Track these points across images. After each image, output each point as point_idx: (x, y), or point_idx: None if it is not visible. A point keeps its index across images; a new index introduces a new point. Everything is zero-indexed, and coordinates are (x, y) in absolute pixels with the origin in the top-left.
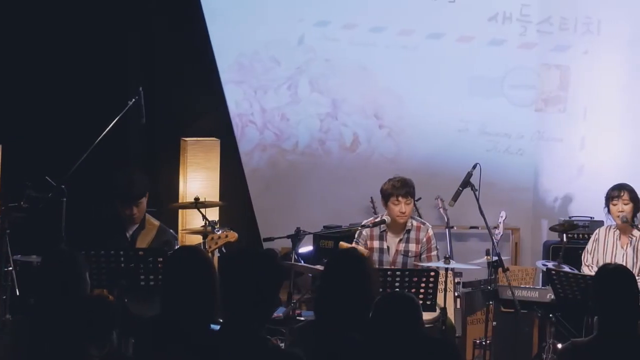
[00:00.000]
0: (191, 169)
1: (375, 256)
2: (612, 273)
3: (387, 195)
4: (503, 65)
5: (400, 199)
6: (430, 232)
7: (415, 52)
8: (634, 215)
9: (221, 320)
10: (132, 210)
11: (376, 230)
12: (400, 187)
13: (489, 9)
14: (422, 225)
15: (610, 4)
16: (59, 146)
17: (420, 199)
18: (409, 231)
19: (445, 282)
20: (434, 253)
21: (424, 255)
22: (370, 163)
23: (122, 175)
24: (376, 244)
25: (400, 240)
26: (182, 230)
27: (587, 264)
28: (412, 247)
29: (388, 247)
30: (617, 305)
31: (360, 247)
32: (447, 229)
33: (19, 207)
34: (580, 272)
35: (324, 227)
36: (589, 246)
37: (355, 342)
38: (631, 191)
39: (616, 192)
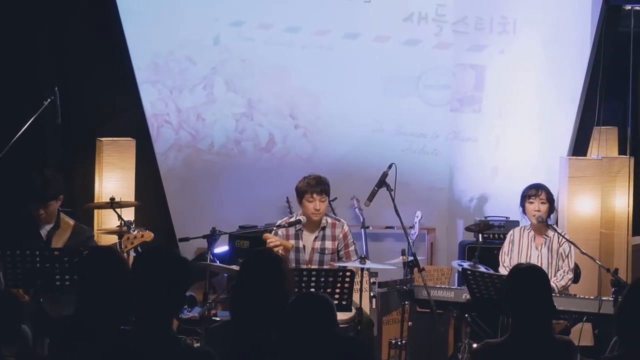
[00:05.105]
0: (106, 169)
1: (292, 255)
2: (525, 273)
3: (301, 192)
4: (418, 65)
5: (314, 196)
6: (346, 228)
7: (331, 52)
8: (548, 215)
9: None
10: (40, 212)
11: (292, 229)
12: (315, 185)
13: (404, 9)
14: (337, 222)
15: (526, 5)
16: None
17: (335, 199)
18: (324, 228)
19: (361, 282)
20: (351, 248)
21: (342, 252)
22: (286, 163)
23: (38, 175)
24: (292, 242)
25: (316, 238)
26: (97, 230)
27: (504, 265)
28: (328, 244)
29: (304, 246)
30: (529, 305)
31: (286, 242)
32: (362, 229)
33: None
34: (496, 272)
35: (239, 227)
36: (505, 247)
37: (271, 342)
38: (548, 191)
39: (533, 191)
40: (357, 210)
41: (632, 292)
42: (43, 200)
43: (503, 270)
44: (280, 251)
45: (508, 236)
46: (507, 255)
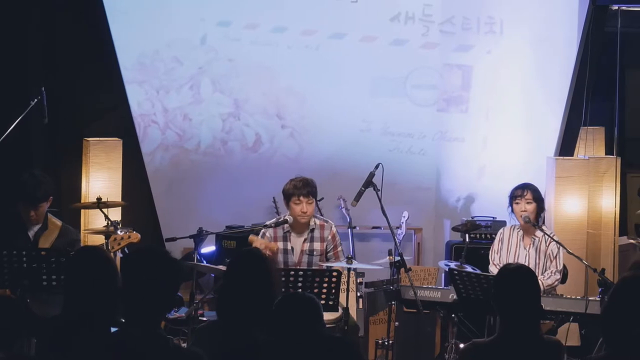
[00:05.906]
0: (93, 169)
1: (280, 257)
2: (513, 273)
3: (288, 195)
4: (405, 65)
5: (301, 198)
6: (334, 229)
7: (318, 52)
8: (538, 215)
9: (123, 320)
10: (30, 213)
11: (280, 231)
12: (301, 187)
13: (391, 9)
14: (325, 224)
15: (513, 5)
16: None
17: (322, 199)
18: (313, 230)
19: (348, 282)
20: (339, 249)
21: (330, 253)
22: (273, 163)
23: (29, 176)
24: (280, 245)
25: (305, 239)
26: (84, 230)
27: (494, 262)
28: (317, 245)
29: (292, 248)
30: (517, 305)
31: (272, 244)
32: (349, 229)
33: None
34: (485, 271)
35: (226, 227)
36: (494, 246)
37: (258, 342)
38: (535, 191)
39: (519, 191)
40: (343, 210)
41: (618, 292)
42: (35, 202)
43: (493, 269)
44: (267, 252)
45: (498, 234)
46: (497, 253)
